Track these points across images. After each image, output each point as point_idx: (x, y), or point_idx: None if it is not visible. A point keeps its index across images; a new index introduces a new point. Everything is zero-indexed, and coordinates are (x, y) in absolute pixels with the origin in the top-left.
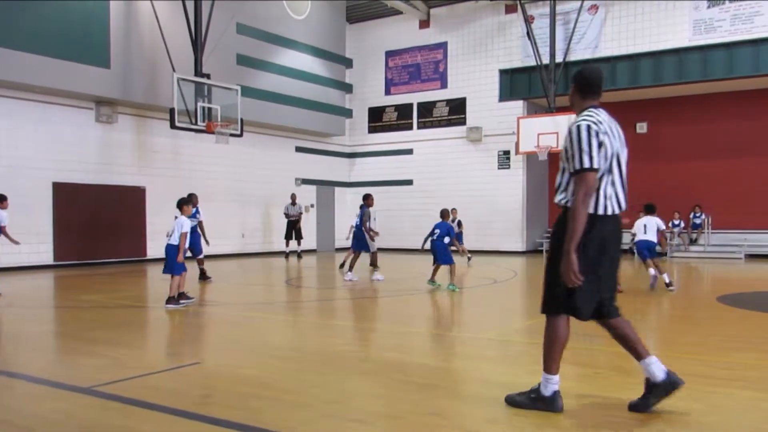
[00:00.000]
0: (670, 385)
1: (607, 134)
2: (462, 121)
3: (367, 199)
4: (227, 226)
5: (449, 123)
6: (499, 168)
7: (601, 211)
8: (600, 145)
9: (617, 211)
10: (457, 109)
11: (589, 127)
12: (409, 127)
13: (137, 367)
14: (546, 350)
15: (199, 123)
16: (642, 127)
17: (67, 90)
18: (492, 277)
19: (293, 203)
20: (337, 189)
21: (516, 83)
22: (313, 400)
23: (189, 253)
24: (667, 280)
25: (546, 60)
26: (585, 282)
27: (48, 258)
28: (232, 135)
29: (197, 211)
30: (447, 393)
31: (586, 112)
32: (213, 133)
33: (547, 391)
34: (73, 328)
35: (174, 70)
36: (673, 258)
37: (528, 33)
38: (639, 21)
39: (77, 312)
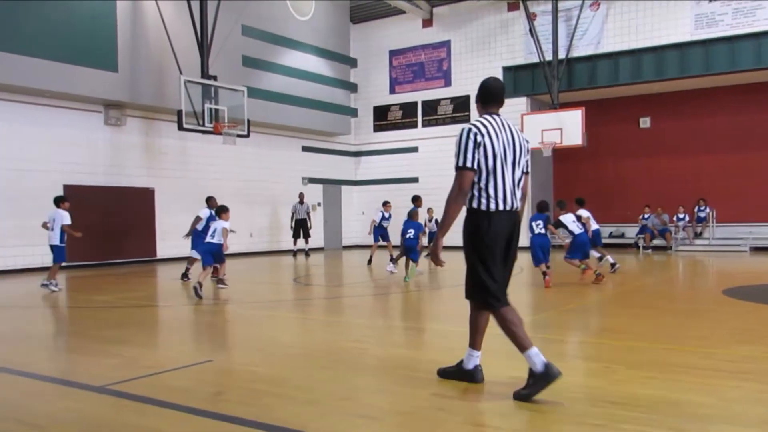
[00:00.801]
0: (549, 376)
1: (487, 136)
2: (466, 119)
3: (416, 201)
4: (235, 226)
5: (454, 120)
6: None
7: (484, 207)
8: (477, 146)
9: (502, 208)
10: (461, 107)
11: (469, 130)
12: (414, 125)
13: (149, 365)
14: (471, 330)
15: (206, 124)
16: (645, 122)
17: (76, 94)
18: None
19: (301, 202)
20: (343, 187)
21: (519, 80)
22: (323, 397)
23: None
24: (611, 261)
25: (549, 57)
26: (486, 270)
27: None
28: (239, 136)
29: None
30: (455, 388)
31: (477, 118)
32: (220, 134)
33: (469, 365)
34: (86, 328)
35: (181, 73)
36: (678, 251)
37: (530, 30)
38: (641, 16)
39: (89, 312)
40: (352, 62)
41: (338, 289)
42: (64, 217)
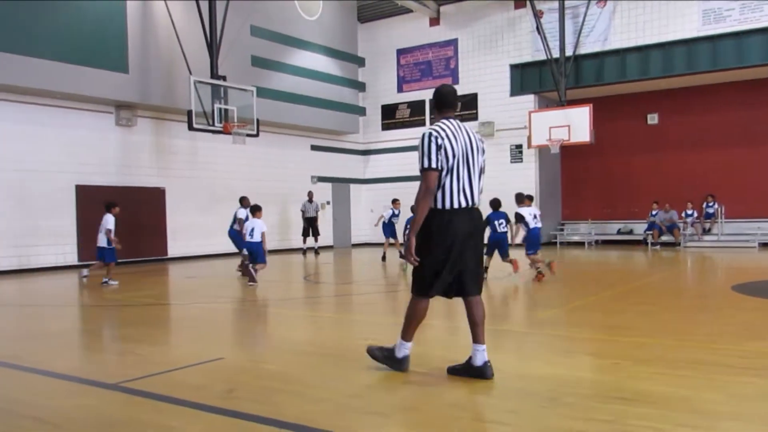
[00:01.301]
0: (480, 373)
1: (447, 139)
2: (474, 117)
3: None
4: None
5: (461, 118)
6: (511, 162)
7: (447, 206)
8: (438, 148)
9: (464, 206)
10: (468, 105)
11: (430, 134)
12: (422, 124)
13: (162, 363)
14: (406, 321)
15: (216, 124)
16: (653, 119)
17: (88, 95)
18: (506, 269)
19: (310, 201)
20: (352, 186)
21: (527, 78)
22: (333, 394)
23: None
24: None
25: (556, 54)
26: (431, 264)
27: (72, 258)
28: (248, 135)
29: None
30: (465, 384)
31: (436, 123)
32: (230, 133)
33: (399, 354)
34: (99, 326)
35: (190, 73)
36: (687, 247)
37: (537, 28)
38: (648, 12)
39: (102, 310)
40: (360, 61)
41: (348, 287)
42: (108, 222)
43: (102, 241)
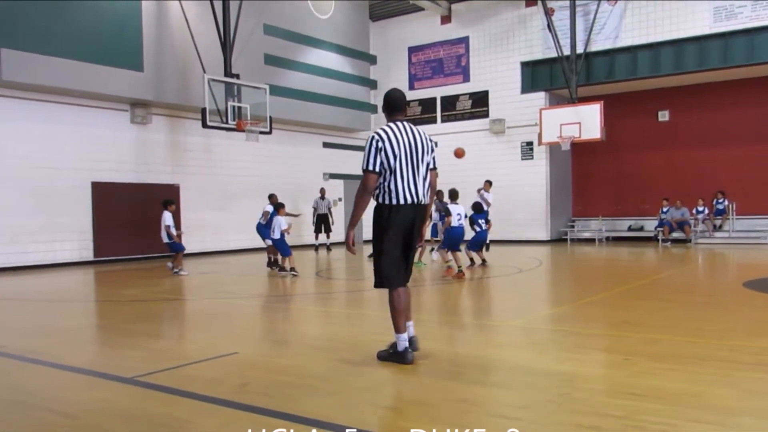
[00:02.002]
0: (403, 359)
1: (388, 142)
2: (485, 114)
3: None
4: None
5: (472, 116)
6: (522, 159)
7: (394, 202)
8: (378, 151)
9: (403, 202)
10: (479, 102)
11: (372, 138)
12: (433, 121)
13: (176, 357)
14: (392, 316)
15: (229, 122)
16: (664, 115)
17: (104, 93)
18: (517, 266)
19: (322, 197)
20: None
21: (537, 75)
22: (345, 388)
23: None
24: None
25: (567, 51)
26: (387, 256)
27: (89, 254)
28: (261, 132)
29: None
30: (476, 380)
31: (383, 125)
32: (243, 131)
33: (400, 347)
34: (114, 321)
35: (204, 72)
36: (698, 244)
37: (548, 25)
38: (659, 10)
39: (117, 306)
40: (372, 59)
41: (359, 283)
42: (166, 219)
43: (164, 238)
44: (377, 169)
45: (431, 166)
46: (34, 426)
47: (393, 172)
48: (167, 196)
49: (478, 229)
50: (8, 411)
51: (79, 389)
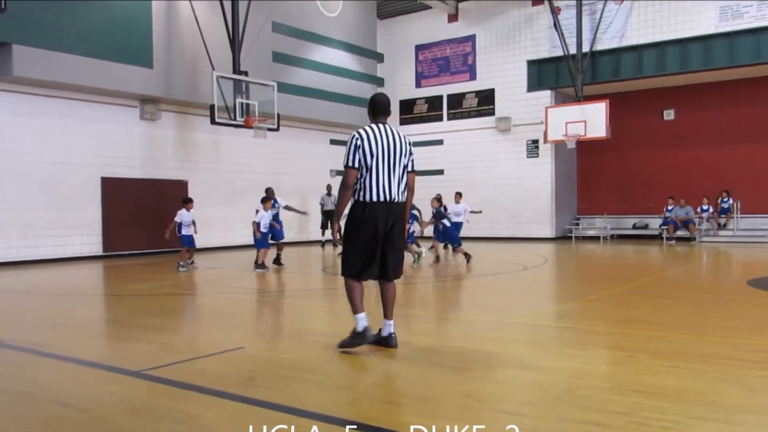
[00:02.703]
0: (386, 342)
1: (366, 141)
2: (491, 112)
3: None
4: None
5: (478, 114)
6: (528, 157)
7: (368, 199)
8: (356, 148)
9: (383, 200)
10: (486, 100)
11: (353, 137)
12: (440, 119)
13: (184, 351)
14: (349, 299)
15: (237, 118)
16: (669, 114)
17: (113, 90)
18: (522, 263)
19: (329, 194)
20: None
21: (543, 73)
22: (351, 383)
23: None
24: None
25: (573, 50)
26: (355, 249)
27: (98, 249)
28: (269, 129)
29: (276, 201)
30: (481, 376)
31: (365, 126)
32: (251, 127)
33: (359, 327)
34: (123, 315)
35: (213, 69)
36: (702, 242)
37: (555, 24)
38: (665, 9)
39: (126, 300)
40: (379, 57)
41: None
42: (178, 215)
43: (177, 231)
44: (356, 165)
45: (409, 168)
46: (46, 419)
47: (369, 170)
48: (176, 192)
49: (446, 225)
50: (20, 403)
51: (89, 382)
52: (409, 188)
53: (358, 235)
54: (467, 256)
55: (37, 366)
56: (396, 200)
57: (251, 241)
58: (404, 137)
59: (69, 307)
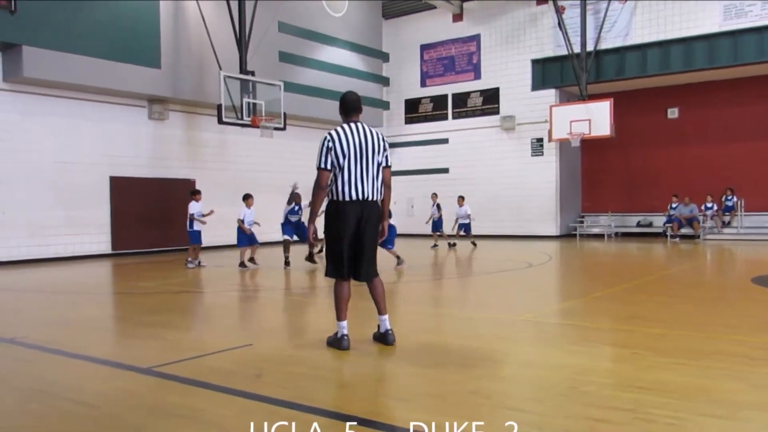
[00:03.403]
0: (383, 338)
1: (338, 142)
2: (495, 111)
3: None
4: (271, 215)
5: (483, 112)
6: (532, 155)
7: (340, 198)
8: (328, 150)
9: (355, 198)
10: (490, 99)
11: (324, 139)
12: (445, 118)
13: (192, 348)
14: (335, 305)
15: (244, 118)
16: (673, 113)
17: (122, 90)
18: (527, 260)
19: None
20: None
21: (548, 72)
22: (358, 380)
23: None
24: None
25: (577, 49)
26: (334, 249)
27: (106, 247)
28: (276, 129)
29: (299, 207)
30: (487, 373)
31: (337, 127)
32: (258, 127)
33: (338, 335)
34: (132, 313)
35: (220, 69)
36: (707, 240)
37: (559, 23)
38: (669, 8)
39: (135, 297)
40: (385, 57)
41: None
42: (190, 207)
43: (188, 226)
44: (328, 167)
45: (384, 164)
46: (57, 415)
47: (342, 169)
48: (183, 191)
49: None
50: (31, 400)
51: (99, 379)
52: (386, 184)
53: (334, 234)
54: (399, 259)
55: (48, 363)
56: (369, 198)
57: (259, 238)
58: (377, 134)
59: (78, 304)
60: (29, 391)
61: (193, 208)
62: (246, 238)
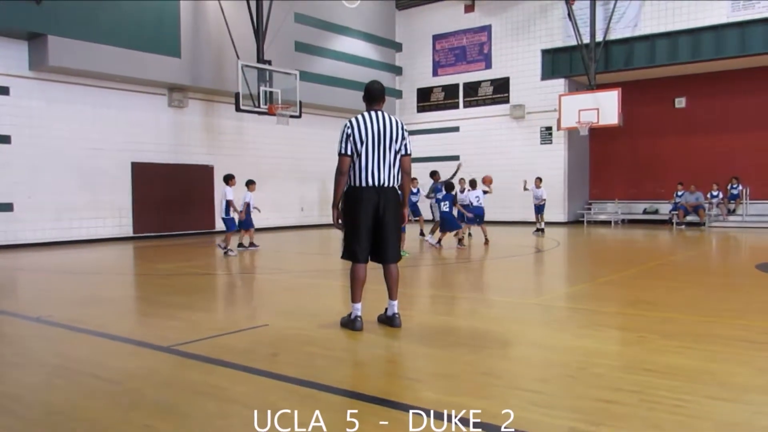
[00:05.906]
0: (390, 321)
1: (357, 129)
2: (506, 100)
3: (434, 176)
4: (288, 201)
5: (493, 101)
6: (541, 143)
7: (358, 184)
8: (348, 137)
9: (372, 184)
10: (500, 88)
11: (344, 126)
12: (456, 106)
13: (211, 328)
14: (351, 287)
15: (261, 106)
16: (681, 102)
17: (143, 78)
18: (536, 246)
19: None
20: None
21: (557, 62)
22: (372, 360)
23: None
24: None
25: (587, 39)
26: (351, 233)
27: (128, 231)
28: (291, 116)
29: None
30: (498, 354)
31: (357, 114)
32: (274, 115)
33: (352, 316)
34: (152, 294)
35: (238, 58)
36: (712, 227)
37: (569, 14)
38: None
39: (155, 279)
40: (397, 47)
41: None
42: (227, 193)
43: (222, 212)
44: (348, 152)
45: (403, 152)
46: (81, 390)
47: (359, 156)
48: (202, 176)
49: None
50: (57, 376)
51: (121, 356)
52: (405, 171)
53: (351, 219)
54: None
55: (73, 341)
56: (386, 185)
57: (275, 223)
58: (397, 122)
59: (101, 285)
60: (54, 367)
61: (230, 194)
62: (250, 222)
